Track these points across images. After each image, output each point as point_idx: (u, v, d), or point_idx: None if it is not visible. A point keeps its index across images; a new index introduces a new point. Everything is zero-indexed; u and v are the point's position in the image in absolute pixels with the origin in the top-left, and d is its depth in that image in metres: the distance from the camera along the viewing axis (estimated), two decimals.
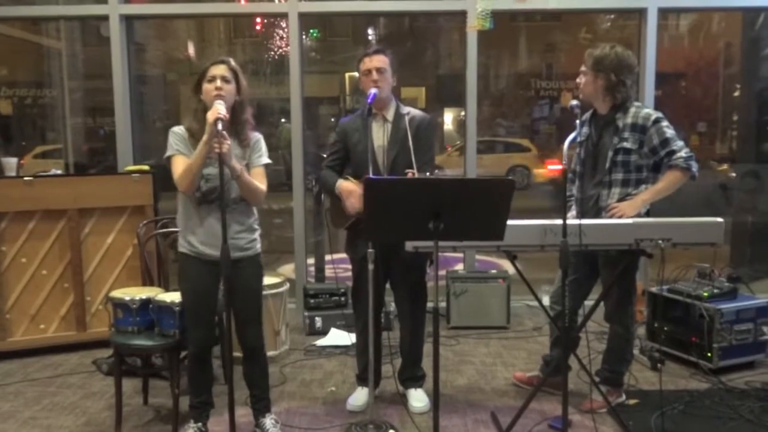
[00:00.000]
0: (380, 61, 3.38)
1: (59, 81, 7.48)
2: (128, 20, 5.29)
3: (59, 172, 4.79)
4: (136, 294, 3.40)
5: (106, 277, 4.58)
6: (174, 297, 3.30)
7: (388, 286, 3.66)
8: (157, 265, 4.03)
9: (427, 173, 3.25)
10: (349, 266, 3.69)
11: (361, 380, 3.65)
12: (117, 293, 3.46)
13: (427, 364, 3.47)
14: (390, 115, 3.46)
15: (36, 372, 4.21)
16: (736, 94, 8.36)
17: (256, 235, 3.15)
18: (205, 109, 2.90)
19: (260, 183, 3.03)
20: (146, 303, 3.35)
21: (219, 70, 2.92)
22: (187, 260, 3.06)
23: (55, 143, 7.84)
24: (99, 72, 6.06)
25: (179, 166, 2.93)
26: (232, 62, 2.98)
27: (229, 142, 2.79)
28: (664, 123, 3.26)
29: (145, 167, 4.74)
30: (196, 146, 2.89)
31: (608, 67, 3.28)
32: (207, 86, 2.91)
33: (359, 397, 3.61)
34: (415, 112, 3.51)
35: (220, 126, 2.73)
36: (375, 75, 3.35)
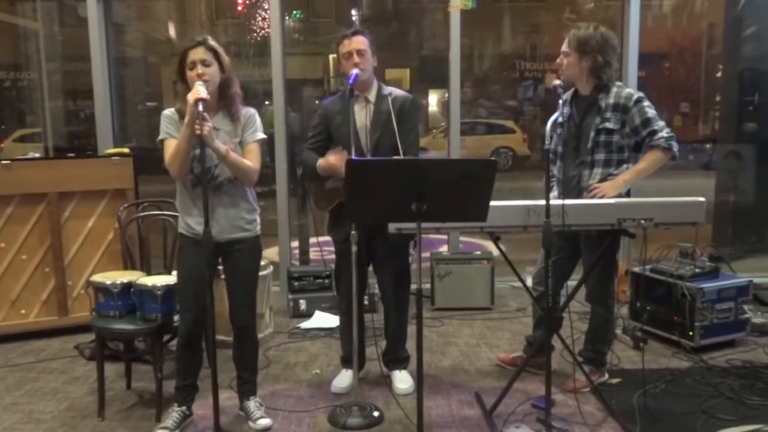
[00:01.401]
0: (360, 42, 3.33)
1: (37, 63, 7.37)
2: (106, 0, 5.20)
3: (37, 155, 4.71)
4: (117, 278, 3.37)
5: (87, 262, 4.54)
6: (156, 281, 3.28)
7: (370, 268, 3.65)
8: (139, 249, 3.99)
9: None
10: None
11: (346, 362, 3.65)
12: (98, 277, 3.43)
13: (411, 345, 3.48)
14: (372, 96, 3.43)
15: (17, 357, 4.18)
16: (719, 74, 8.40)
17: (255, 215, 3.12)
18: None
19: (253, 161, 2.99)
20: (128, 287, 3.32)
21: (197, 54, 2.86)
22: (185, 241, 3.05)
23: (34, 127, 7.74)
24: (78, 53, 5.97)
25: (170, 150, 2.90)
26: (210, 41, 2.91)
27: (210, 123, 2.76)
28: (646, 103, 3.26)
29: (125, 150, 4.68)
30: None
31: (594, 49, 3.26)
32: (189, 73, 2.86)
33: (344, 379, 3.61)
34: (398, 92, 3.48)
35: (201, 107, 2.69)
36: (356, 57, 3.30)
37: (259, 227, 3.14)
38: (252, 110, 3.07)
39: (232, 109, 2.97)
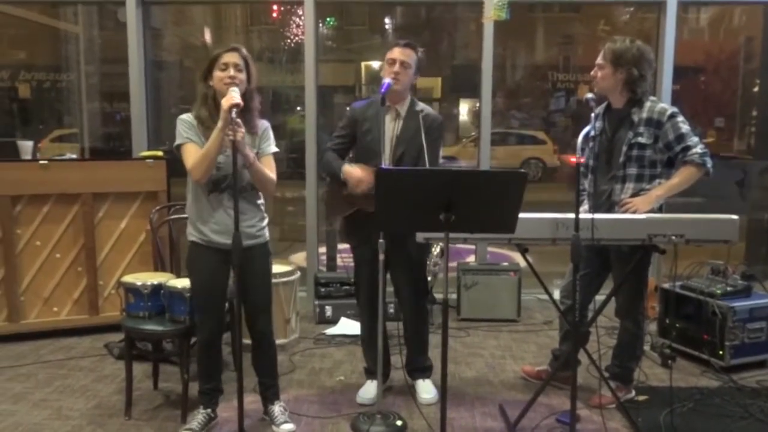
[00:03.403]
0: (407, 55, 3.33)
1: (76, 65, 7.52)
2: (145, 5, 5.30)
3: (74, 156, 4.81)
4: (147, 279, 3.42)
5: (118, 262, 4.62)
6: (185, 283, 3.31)
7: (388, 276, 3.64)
8: (170, 251, 4.05)
9: None
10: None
11: (370, 373, 3.65)
12: (129, 278, 3.49)
13: (436, 355, 3.47)
14: (403, 110, 3.42)
15: (48, 354, 4.26)
16: (756, 89, 8.26)
17: (265, 222, 3.16)
18: (215, 95, 2.90)
19: (271, 172, 3.03)
20: (158, 288, 3.38)
21: (232, 57, 2.91)
22: (197, 249, 3.06)
23: (71, 127, 7.88)
24: (116, 56, 6.08)
25: (191, 154, 2.91)
26: (244, 50, 2.97)
27: (243, 129, 2.79)
28: (680, 118, 3.23)
29: (159, 153, 4.76)
30: (205, 134, 2.90)
31: (630, 62, 3.24)
32: (219, 74, 2.89)
33: (369, 390, 3.59)
34: (429, 110, 3.47)
35: (234, 113, 2.73)
36: (397, 67, 3.31)
37: (268, 232, 3.17)
38: (266, 123, 3.10)
39: (252, 123, 2.99)
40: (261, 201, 3.14)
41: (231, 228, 2.82)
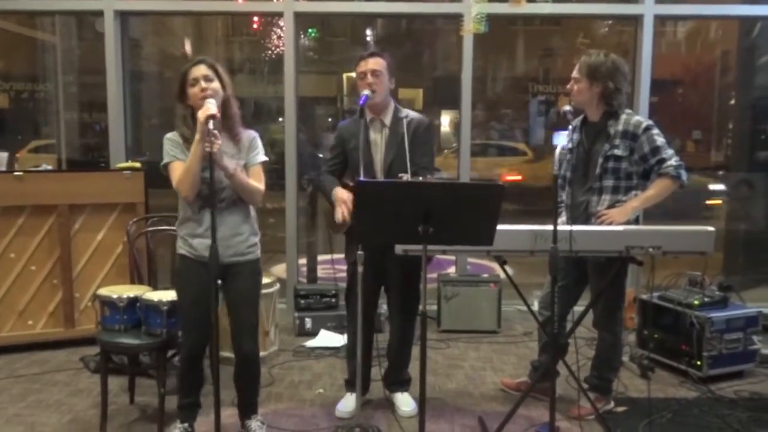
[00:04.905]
0: (376, 63, 3.33)
1: (54, 75, 7.47)
2: (123, 16, 5.26)
3: (49, 167, 4.75)
4: (123, 292, 3.38)
5: (95, 274, 4.55)
6: (162, 296, 3.28)
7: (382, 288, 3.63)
8: (147, 263, 4.00)
9: (422, 178, 3.18)
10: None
11: (350, 385, 3.61)
12: (105, 291, 3.44)
13: (414, 367, 3.45)
14: (388, 119, 3.42)
15: (22, 368, 4.19)
16: (732, 102, 8.39)
17: (257, 239, 3.11)
18: (194, 113, 2.87)
19: (258, 182, 3.00)
20: (134, 301, 3.33)
21: (199, 70, 2.88)
22: (187, 263, 3.02)
23: (49, 138, 7.82)
24: (94, 67, 6.04)
25: (177, 171, 2.90)
26: (210, 60, 2.95)
27: (219, 141, 2.77)
28: (655, 131, 3.26)
29: (137, 164, 4.72)
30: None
31: (605, 75, 3.27)
32: (192, 90, 2.87)
33: (348, 403, 3.56)
34: (414, 114, 3.47)
35: (211, 125, 2.71)
36: (370, 78, 3.31)
37: (259, 251, 3.13)
38: (254, 133, 3.08)
39: (234, 131, 2.97)
40: (253, 215, 3.09)
41: (224, 242, 2.84)
